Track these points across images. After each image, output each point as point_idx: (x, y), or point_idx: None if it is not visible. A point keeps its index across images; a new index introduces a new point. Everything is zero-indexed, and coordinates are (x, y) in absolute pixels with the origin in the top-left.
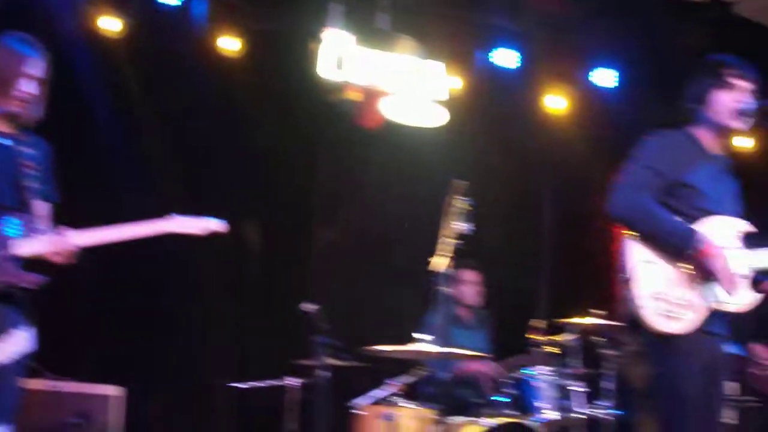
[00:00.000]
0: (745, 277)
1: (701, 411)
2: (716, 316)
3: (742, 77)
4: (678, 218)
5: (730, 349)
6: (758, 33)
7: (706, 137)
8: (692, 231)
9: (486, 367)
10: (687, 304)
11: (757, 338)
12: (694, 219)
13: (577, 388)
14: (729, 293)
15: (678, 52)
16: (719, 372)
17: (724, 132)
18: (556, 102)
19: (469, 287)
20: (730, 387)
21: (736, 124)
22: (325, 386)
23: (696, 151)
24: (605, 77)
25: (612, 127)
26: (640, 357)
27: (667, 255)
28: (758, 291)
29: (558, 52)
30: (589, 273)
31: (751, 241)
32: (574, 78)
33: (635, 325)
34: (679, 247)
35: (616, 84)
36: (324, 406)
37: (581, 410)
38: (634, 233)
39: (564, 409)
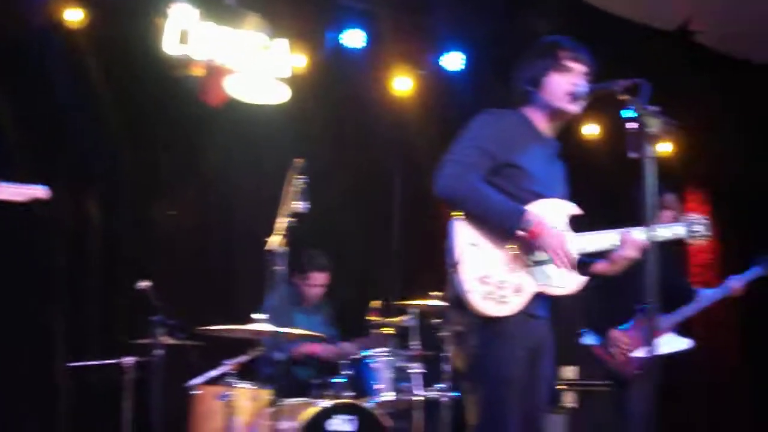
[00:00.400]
0: None
1: (521, 394)
2: (540, 299)
3: (576, 60)
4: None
5: (589, 338)
6: (603, 20)
7: (539, 119)
8: (522, 210)
9: (322, 348)
10: (513, 287)
11: (608, 323)
12: (523, 201)
13: (416, 369)
14: (562, 270)
15: (523, 36)
16: (543, 355)
17: (557, 115)
18: (402, 83)
19: (314, 289)
20: (570, 371)
21: (569, 106)
22: (159, 366)
23: (528, 132)
24: (452, 60)
25: (458, 109)
26: (462, 338)
27: (495, 236)
28: (584, 274)
29: (405, 32)
30: (435, 255)
31: (578, 224)
32: (421, 60)
33: (459, 306)
34: (508, 227)
35: (463, 67)
36: (159, 386)
37: (419, 392)
38: (461, 214)
39: (402, 390)
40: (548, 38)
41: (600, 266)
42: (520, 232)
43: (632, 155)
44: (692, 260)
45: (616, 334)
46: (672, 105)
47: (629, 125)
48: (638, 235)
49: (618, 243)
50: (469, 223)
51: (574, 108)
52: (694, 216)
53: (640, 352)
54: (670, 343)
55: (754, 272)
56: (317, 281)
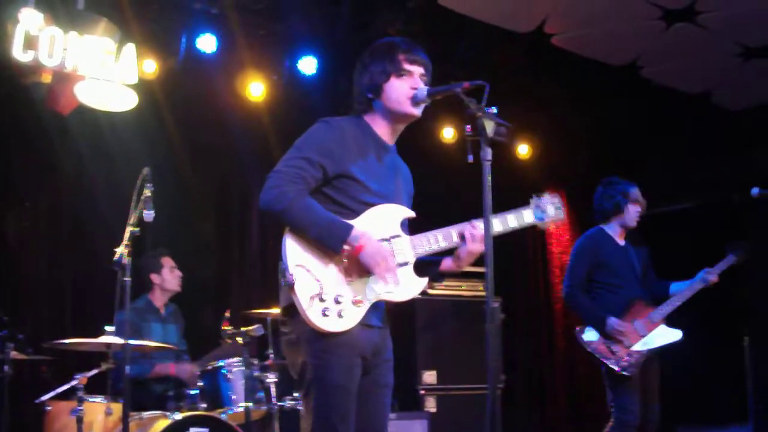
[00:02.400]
0: (407, 264)
1: (358, 401)
2: (375, 308)
3: (414, 62)
4: (333, 213)
5: (589, 334)
6: (458, 23)
7: (380, 125)
8: (345, 228)
9: (176, 369)
10: (351, 299)
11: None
12: (355, 211)
13: (270, 379)
14: (390, 284)
15: (376, 39)
16: (380, 363)
17: (398, 119)
18: (256, 88)
19: (174, 272)
20: (430, 376)
21: (410, 110)
22: (7, 382)
23: (366, 140)
24: (306, 64)
25: (312, 113)
26: (295, 346)
27: (324, 251)
28: (429, 275)
29: (257, 37)
30: None
31: (414, 227)
32: (274, 64)
33: (290, 315)
34: (331, 246)
35: (315, 71)
36: (4, 403)
37: (273, 401)
38: (290, 228)
39: (257, 400)
40: (384, 40)
41: (446, 264)
42: (346, 248)
43: (470, 160)
44: (556, 262)
45: (616, 324)
46: (527, 107)
47: (467, 130)
48: (479, 227)
49: (456, 240)
50: (298, 239)
51: (416, 111)
52: (544, 197)
53: (638, 346)
54: (664, 335)
55: (727, 261)
56: (170, 263)
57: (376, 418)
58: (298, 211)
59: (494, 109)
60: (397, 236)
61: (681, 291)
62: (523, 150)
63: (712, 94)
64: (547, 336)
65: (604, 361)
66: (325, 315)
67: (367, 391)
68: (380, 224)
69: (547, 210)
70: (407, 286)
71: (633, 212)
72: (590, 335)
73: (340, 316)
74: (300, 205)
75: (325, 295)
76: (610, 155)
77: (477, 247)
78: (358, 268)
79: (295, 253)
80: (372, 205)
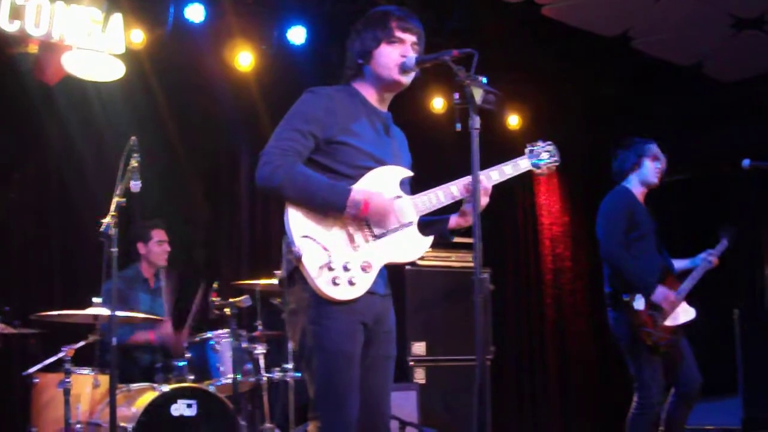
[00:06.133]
0: (411, 224)
1: (362, 370)
2: (379, 275)
3: (406, 30)
4: (331, 179)
5: (638, 302)
6: None
7: (370, 92)
8: (346, 189)
9: (155, 336)
10: (360, 266)
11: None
12: (352, 177)
13: (258, 350)
14: (407, 237)
15: (365, 8)
16: (382, 332)
17: (388, 86)
18: (245, 58)
19: (161, 246)
20: (420, 347)
21: (399, 77)
22: None
23: (356, 106)
24: (294, 34)
25: (301, 83)
26: (296, 315)
27: (330, 217)
28: (436, 234)
29: (245, 6)
30: (281, 232)
31: (414, 187)
32: (263, 34)
33: (291, 284)
34: (334, 208)
35: (304, 41)
36: None
37: (262, 373)
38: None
39: (245, 372)
40: (379, 8)
41: (453, 221)
42: (351, 211)
43: (458, 128)
44: (546, 233)
45: (666, 294)
46: (518, 78)
47: (456, 98)
48: (483, 179)
49: (458, 194)
50: (299, 211)
51: (404, 79)
52: (539, 144)
53: (668, 321)
54: (686, 313)
55: (722, 245)
56: (161, 236)
57: (378, 391)
58: (294, 183)
59: (484, 79)
60: (398, 197)
61: (692, 271)
62: (514, 121)
63: (704, 65)
64: (537, 306)
65: (646, 331)
66: (335, 284)
67: (368, 363)
68: (379, 187)
69: (541, 156)
70: (413, 247)
71: (652, 168)
72: (639, 303)
73: (351, 283)
74: (295, 176)
75: (333, 264)
76: (600, 126)
77: (482, 200)
78: (364, 231)
79: (298, 224)
80: (369, 168)
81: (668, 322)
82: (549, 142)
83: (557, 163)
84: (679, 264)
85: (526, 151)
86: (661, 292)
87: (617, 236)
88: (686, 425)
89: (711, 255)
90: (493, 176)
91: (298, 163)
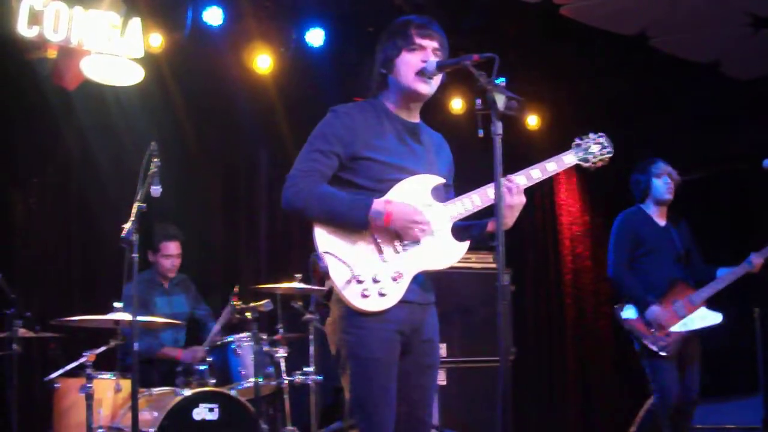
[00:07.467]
0: (446, 229)
1: (400, 379)
2: (414, 283)
3: (426, 36)
4: (355, 194)
5: (629, 311)
6: None
7: (394, 103)
8: (367, 202)
9: (182, 355)
10: (391, 277)
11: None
12: (380, 191)
13: (280, 353)
14: (438, 243)
15: (385, 12)
16: (421, 341)
17: (411, 96)
18: (263, 61)
19: (168, 260)
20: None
21: (419, 86)
22: (16, 360)
23: (381, 120)
24: (313, 36)
25: (318, 86)
26: (332, 326)
27: (354, 235)
28: (473, 238)
29: (264, 9)
30: (300, 236)
31: (447, 194)
32: (281, 37)
33: (329, 298)
34: (357, 222)
35: (323, 43)
36: (15, 381)
37: (283, 376)
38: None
39: (266, 375)
40: (400, 18)
41: (491, 225)
42: (375, 224)
43: (480, 134)
44: (566, 233)
45: (657, 314)
46: (536, 78)
47: (478, 104)
48: (516, 179)
49: (493, 197)
50: (324, 228)
51: (425, 87)
52: (588, 136)
53: (677, 327)
54: (704, 318)
55: None
56: (169, 250)
57: (418, 400)
58: (317, 202)
59: (503, 81)
60: (429, 205)
61: (725, 275)
62: (532, 121)
63: (722, 63)
64: (557, 306)
65: (642, 339)
66: (364, 296)
67: (408, 372)
68: (406, 197)
69: (590, 149)
70: (447, 253)
71: (661, 185)
72: (629, 313)
73: (381, 294)
74: (317, 196)
75: (361, 277)
76: (618, 125)
77: (518, 199)
78: (393, 241)
79: (323, 240)
80: (396, 181)
81: (676, 328)
82: (600, 134)
83: (611, 154)
84: (723, 272)
85: (573, 144)
86: (652, 311)
87: (620, 256)
88: (706, 425)
89: (755, 257)
90: (533, 175)
91: (320, 183)
